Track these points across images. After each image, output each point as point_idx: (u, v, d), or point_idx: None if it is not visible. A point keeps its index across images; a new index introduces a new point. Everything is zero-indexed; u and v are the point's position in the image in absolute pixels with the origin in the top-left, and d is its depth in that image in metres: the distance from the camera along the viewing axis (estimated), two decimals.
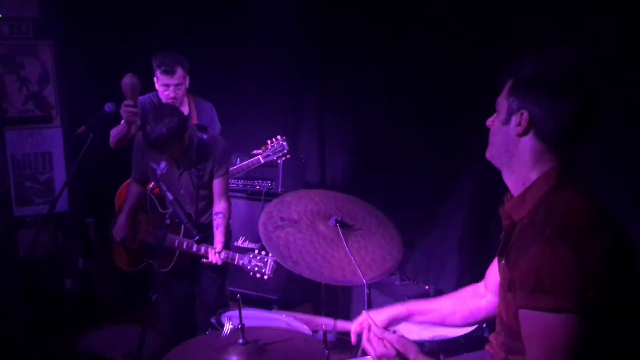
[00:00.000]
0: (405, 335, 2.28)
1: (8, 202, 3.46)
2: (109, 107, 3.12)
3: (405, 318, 2.10)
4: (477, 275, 3.52)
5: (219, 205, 3.26)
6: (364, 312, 2.15)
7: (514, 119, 1.59)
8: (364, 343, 1.81)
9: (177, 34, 4.62)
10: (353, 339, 2.16)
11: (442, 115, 3.68)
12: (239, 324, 1.72)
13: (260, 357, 1.73)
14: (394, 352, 1.70)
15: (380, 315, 2.08)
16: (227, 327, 1.79)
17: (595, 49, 2.63)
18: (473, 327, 2.29)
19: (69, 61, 4.73)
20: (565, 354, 1.41)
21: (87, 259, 4.76)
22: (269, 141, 3.97)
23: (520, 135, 1.59)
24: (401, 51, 3.91)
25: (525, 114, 1.56)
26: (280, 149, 3.92)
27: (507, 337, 1.67)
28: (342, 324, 2.22)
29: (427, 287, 3.56)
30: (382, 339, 1.76)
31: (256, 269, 2.98)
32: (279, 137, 3.93)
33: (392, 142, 4.11)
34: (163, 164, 3.33)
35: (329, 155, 4.66)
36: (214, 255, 2.96)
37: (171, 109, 3.16)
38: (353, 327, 2.15)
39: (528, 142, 1.58)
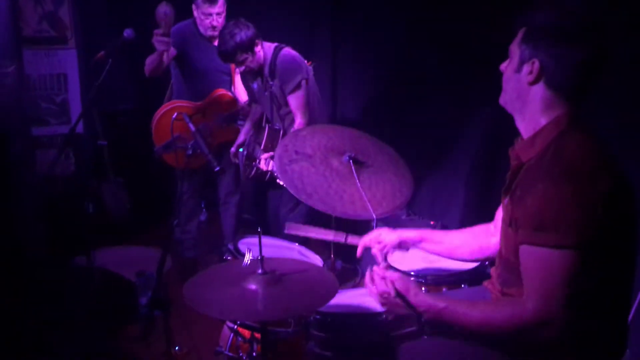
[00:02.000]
0: (411, 266, 2.43)
1: (26, 121, 3.53)
2: (127, 33, 3.13)
3: (416, 242, 2.20)
4: (481, 213, 3.65)
5: (295, 123, 3.49)
6: (376, 229, 2.25)
7: (526, 68, 1.64)
8: (367, 280, 1.87)
9: None
10: (359, 251, 2.26)
11: (455, 56, 3.66)
12: (258, 256, 1.82)
13: (278, 286, 1.83)
14: (393, 291, 1.76)
15: (392, 235, 2.19)
16: (248, 257, 1.89)
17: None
18: (477, 264, 2.39)
19: None
20: (563, 288, 1.51)
21: (101, 181, 4.87)
22: None
23: (532, 83, 1.64)
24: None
25: (537, 63, 1.62)
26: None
27: (504, 271, 1.78)
28: (352, 239, 2.32)
29: (432, 222, 3.67)
30: (383, 278, 1.81)
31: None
32: (305, 62, 3.80)
33: (404, 81, 4.11)
34: (255, 84, 3.64)
35: (341, 92, 4.67)
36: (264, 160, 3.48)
37: (240, 23, 3.41)
38: (363, 240, 2.25)
39: (539, 90, 1.64)
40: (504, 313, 1.60)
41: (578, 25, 1.59)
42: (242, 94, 4.05)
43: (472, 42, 3.47)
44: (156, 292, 2.34)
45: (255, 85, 3.72)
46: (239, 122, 4.04)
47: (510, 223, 1.68)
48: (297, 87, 3.50)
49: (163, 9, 3.41)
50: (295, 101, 3.51)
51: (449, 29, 3.66)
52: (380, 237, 2.21)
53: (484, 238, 2.10)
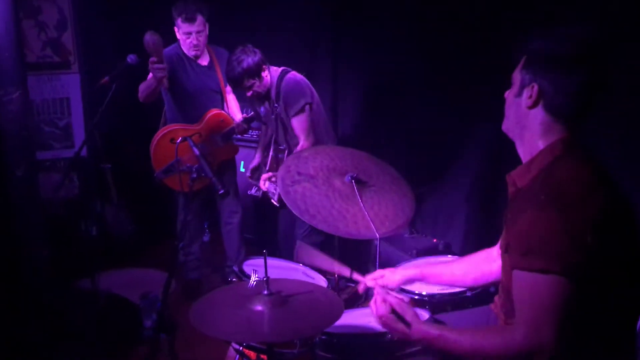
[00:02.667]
0: (416, 288, 2.44)
1: (31, 146, 3.57)
2: (131, 58, 3.19)
3: (418, 280, 2.25)
4: (483, 232, 3.66)
5: (298, 146, 3.57)
6: (378, 270, 2.29)
7: (526, 92, 1.68)
8: (370, 302, 1.91)
9: None
10: (361, 289, 2.30)
11: (458, 74, 3.69)
12: (264, 277, 1.83)
13: (283, 307, 1.84)
14: (392, 315, 1.79)
15: (396, 275, 2.23)
16: (254, 278, 1.90)
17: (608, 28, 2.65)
18: None
19: (86, 7, 4.74)
20: (551, 313, 1.50)
21: (104, 203, 4.89)
22: None
23: (531, 107, 1.67)
24: (419, 7, 3.90)
25: (536, 87, 1.65)
26: None
27: (506, 300, 1.77)
28: (357, 276, 2.37)
29: (434, 240, 3.68)
30: (384, 301, 1.84)
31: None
32: (310, 86, 3.87)
33: (406, 98, 4.13)
34: (263, 107, 3.75)
35: (342, 108, 4.70)
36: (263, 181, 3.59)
37: (247, 50, 3.51)
38: (365, 280, 2.30)
39: (538, 114, 1.67)
40: (495, 341, 1.60)
41: (575, 51, 1.62)
42: (235, 112, 4.09)
43: (474, 59, 3.50)
44: (161, 315, 2.35)
45: (262, 109, 3.78)
46: (237, 138, 4.09)
47: (505, 249, 1.69)
48: (301, 110, 3.56)
49: (149, 38, 3.47)
50: (298, 124, 3.57)
51: (452, 45, 3.70)
52: (383, 280, 2.25)
53: (485, 264, 2.12)
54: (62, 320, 3.47)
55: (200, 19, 3.71)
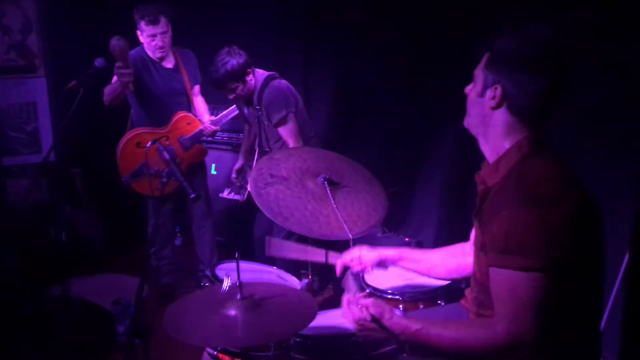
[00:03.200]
0: (388, 284, 2.46)
1: None
2: (99, 62, 3.15)
3: (395, 261, 2.24)
4: (455, 230, 3.71)
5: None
6: (356, 247, 2.27)
7: (489, 93, 1.69)
8: (343, 309, 1.89)
9: None
10: (338, 270, 2.29)
11: (427, 74, 3.73)
12: (237, 281, 1.83)
13: (257, 311, 1.84)
14: (369, 317, 1.78)
15: (372, 253, 2.23)
16: (226, 283, 1.90)
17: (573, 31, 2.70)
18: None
19: (51, 10, 4.67)
20: (531, 308, 1.53)
21: (74, 209, 4.82)
22: None
23: (494, 108, 1.69)
24: (386, 11, 3.92)
25: (499, 89, 1.66)
26: None
27: (479, 293, 1.80)
28: (332, 258, 2.35)
29: (407, 239, 3.71)
30: (358, 304, 1.83)
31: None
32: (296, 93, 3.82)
33: (377, 99, 4.16)
34: (246, 108, 3.74)
35: (313, 109, 4.70)
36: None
37: (233, 52, 3.47)
38: (342, 259, 2.28)
39: (501, 115, 1.69)
40: (476, 335, 1.63)
41: (539, 53, 1.64)
42: (203, 113, 4.07)
43: (443, 58, 3.54)
44: (135, 321, 2.32)
45: (246, 110, 3.77)
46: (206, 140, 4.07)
47: (481, 247, 1.71)
48: (283, 120, 3.53)
49: (115, 42, 3.43)
50: (284, 132, 3.56)
51: (421, 45, 3.73)
52: (360, 256, 2.24)
53: (461, 257, 2.13)
54: (33, 328, 3.40)
55: (163, 20, 3.68)
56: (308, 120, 3.83)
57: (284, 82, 3.65)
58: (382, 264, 2.26)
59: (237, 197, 4.42)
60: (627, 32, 2.58)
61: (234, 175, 4.03)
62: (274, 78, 3.63)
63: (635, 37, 2.56)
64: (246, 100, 3.67)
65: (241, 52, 3.50)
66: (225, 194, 4.23)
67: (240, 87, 3.52)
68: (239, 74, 3.47)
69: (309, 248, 2.43)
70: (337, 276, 2.32)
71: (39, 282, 3.86)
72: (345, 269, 2.30)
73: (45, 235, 4.64)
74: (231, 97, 3.60)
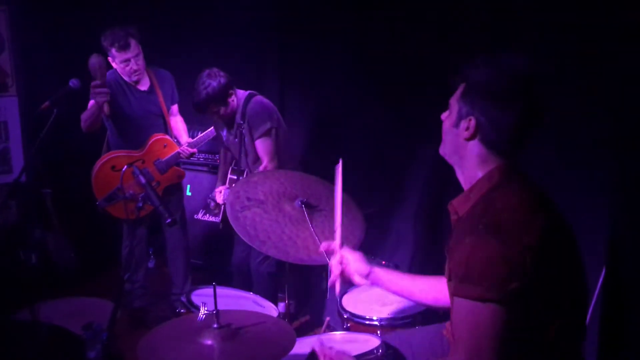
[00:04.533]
0: (366, 311, 2.44)
1: None
2: (73, 82, 3.10)
3: (381, 279, 2.15)
4: (431, 253, 3.70)
5: (261, 167, 3.52)
6: (356, 252, 2.21)
7: (463, 124, 1.69)
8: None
9: (137, 4, 4.57)
10: (322, 247, 2.24)
11: (404, 97, 3.75)
12: (213, 309, 1.79)
13: (234, 340, 1.81)
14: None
15: (364, 266, 2.15)
16: (202, 311, 1.86)
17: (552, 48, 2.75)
18: None
19: (25, 29, 4.61)
20: (489, 339, 1.52)
21: (45, 230, 4.72)
22: None
23: (468, 139, 1.69)
24: (364, 31, 3.95)
25: (473, 121, 1.67)
26: None
27: (453, 324, 1.76)
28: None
29: (383, 262, 3.70)
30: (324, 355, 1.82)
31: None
32: (277, 111, 3.79)
33: (353, 120, 4.18)
34: (225, 131, 3.70)
35: (291, 131, 4.69)
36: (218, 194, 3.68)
37: (213, 74, 3.44)
38: (335, 246, 2.22)
39: (475, 146, 1.69)
40: None
41: (511, 86, 1.64)
42: (182, 134, 4.03)
43: (421, 81, 3.56)
44: (108, 347, 2.26)
45: (224, 133, 3.71)
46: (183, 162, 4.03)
47: (448, 277, 1.70)
48: (266, 134, 3.52)
49: (95, 60, 3.41)
50: (262, 146, 3.53)
51: (399, 68, 3.75)
52: (349, 261, 2.17)
53: (442, 289, 2.11)
54: (0, 353, 3.30)
55: (133, 42, 3.64)
56: (290, 141, 3.83)
57: (266, 99, 3.67)
58: (366, 277, 2.17)
59: (212, 218, 4.38)
60: (601, 48, 2.63)
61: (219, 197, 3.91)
62: (255, 95, 3.64)
63: (605, 54, 2.61)
64: (227, 122, 3.64)
65: (222, 73, 3.49)
66: (200, 215, 4.18)
67: (223, 109, 3.51)
68: (221, 96, 3.46)
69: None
70: (320, 251, 2.24)
71: (6, 305, 3.76)
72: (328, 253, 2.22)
73: (14, 258, 4.54)
74: (214, 119, 3.61)
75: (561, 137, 2.77)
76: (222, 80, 3.45)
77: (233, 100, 3.55)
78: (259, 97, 3.63)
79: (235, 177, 3.73)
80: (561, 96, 2.64)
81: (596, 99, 2.67)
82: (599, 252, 2.62)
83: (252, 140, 3.57)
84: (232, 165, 3.78)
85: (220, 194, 3.76)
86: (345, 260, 2.17)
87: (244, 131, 3.58)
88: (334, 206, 2.60)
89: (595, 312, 2.63)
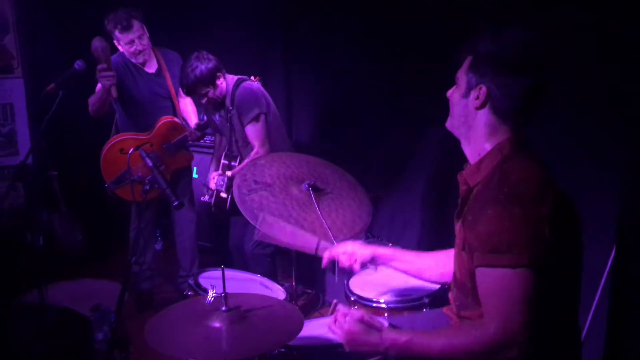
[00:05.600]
0: (373, 292, 2.44)
1: None
2: (78, 64, 3.09)
3: (387, 260, 2.20)
4: (438, 234, 3.70)
5: (252, 152, 3.52)
6: (349, 242, 2.23)
7: (473, 93, 1.72)
8: (330, 324, 1.89)
9: None
10: (324, 262, 2.23)
11: (410, 78, 3.72)
12: (222, 292, 1.79)
13: (242, 323, 1.81)
14: (361, 327, 1.78)
15: (366, 250, 2.19)
16: (211, 294, 1.86)
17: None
18: (438, 286, 2.41)
19: (30, 10, 4.59)
20: (522, 305, 1.55)
21: (51, 212, 4.73)
22: None
23: (478, 108, 1.72)
24: (372, 13, 3.91)
25: (484, 89, 1.70)
26: None
27: (459, 294, 1.82)
28: (323, 248, 2.29)
29: (390, 244, 3.69)
30: (346, 316, 1.82)
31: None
32: (252, 77, 3.79)
33: (360, 103, 4.15)
34: (218, 115, 3.69)
35: (296, 114, 4.68)
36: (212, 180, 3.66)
37: (202, 56, 3.44)
38: (332, 251, 2.22)
39: (484, 115, 1.72)
40: (467, 338, 1.63)
41: (522, 55, 1.68)
42: (191, 116, 4.02)
43: (426, 63, 3.53)
44: (115, 331, 2.27)
45: (217, 117, 3.72)
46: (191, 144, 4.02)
47: (463, 247, 1.73)
48: (255, 119, 3.51)
49: (98, 44, 3.40)
50: (252, 133, 3.53)
51: (404, 50, 3.72)
52: (352, 252, 2.19)
53: (448, 264, 2.12)
54: (8, 337, 3.33)
55: (136, 24, 3.62)
56: (282, 125, 3.81)
57: (255, 84, 3.65)
58: (373, 261, 2.20)
59: (210, 200, 4.36)
60: (612, 32, 2.60)
61: (206, 198, 3.91)
62: (244, 80, 3.63)
63: (619, 39, 2.58)
64: (217, 105, 3.64)
65: (210, 56, 3.49)
66: (206, 197, 4.16)
67: (211, 91, 3.50)
68: (209, 79, 3.46)
69: (301, 233, 2.36)
70: (322, 267, 2.25)
71: (14, 287, 3.78)
72: (332, 262, 2.24)
73: (21, 240, 4.56)
74: (203, 101, 3.58)
75: (571, 116, 2.75)
76: (210, 62, 3.45)
77: (222, 83, 3.54)
78: (247, 83, 3.61)
79: (227, 162, 3.72)
80: (572, 75, 2.63)
81: (608, 78, 2.64)
82: (609, 231, 2.61)
83: (242, 127, 3.56)
84: (225, 150, 3.77)
85: (213, 180, 3.76)
86: (350, 250, 2.18)
87: (233, 118, 3.58)
88: (340, 192, 2.60)
89: (605, 291, 2.63)
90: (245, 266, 3.65)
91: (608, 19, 2.58)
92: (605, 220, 2.61)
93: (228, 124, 3.63)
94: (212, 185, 3.70)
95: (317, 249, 2.31)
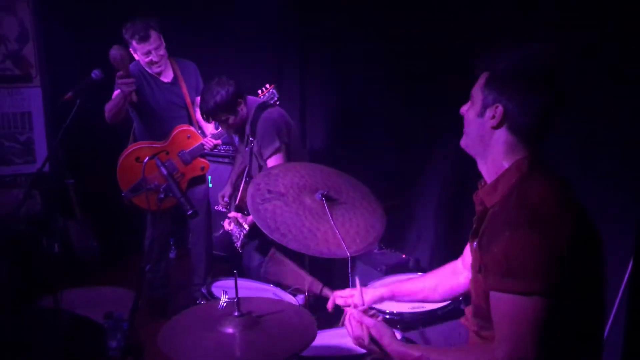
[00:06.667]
0: (387, 307, 2.43)
1: None
2: (96, 74, 3.13)
3: (390, 298, 2.21)
4: (451, 247, 3.69)
5: None
6: (349, 289, 2.24)
7: (489, 112, 1.67)
8: (346, 321, 1.90)
9: None
10: (330, 306, 2.26)
11: (425, 88, 3.72)
12: (234, 298, 1.79)
13: (255, 328, 1.80)
14: (367, 338, 1.79)
15: (367, 294, 2.18)
16: (223, 299, 1.86)
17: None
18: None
19: (48, 20, 4.66)
20: (533, 334, 1.51)
21: (67, 220, 4.77)
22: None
23: (495, 127, 1.67)
24: (387, 23, 3.92)
25: (500, 108, 1.65)
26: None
27: (476, 317, 1.77)
28: (327, 292, 2.32)
29: (404, 256, 3.68)
30: (360, 322, 1.83)
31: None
32: (267, 85, 3.75)
33: (374, 113, 4.16)
34: (237, 137, 3.63)
35: (310, 123, 4.70)
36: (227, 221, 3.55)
37: (222, 82, 3.34)
38: (335, 297, 2.24)
39: (501, 134, 1.67)
40: None
41: (539, 71, 1.63)
42: (206, 124, 4.04)
43: (442, 74, 3.53)
44: (128, 338, 2.28)
45: (237, 139, 3.69)
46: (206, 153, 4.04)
47: (479, 269, 1.68)
48: (276, 152, 3.42)
49: (116, 52, 3.42)
50: (274, 164, 3.43)
51: (420, 60, 3.72)
52: (352, 299, 2.18)
53: (453, 278, 2.11)
54: (23, 341, 3.34)
55: (153, 34, 3.65)
56: (299, 139, 3.78)
57: (276, 110, 3.53)
58: (377, 302, 2.23)
59: (223, 210, 4.37)
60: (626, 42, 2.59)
61: (226, 200, 3.92)
62: (266, 107, 3.51)
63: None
64: (237, 130, 3.58)
65: (231, 81, 3.37)
66: (220, 207, 4.18)
67: (232, 118, 3.42)
68: (230, 105, 3.36)
69: (308, 277, 2.38)
70: (329, 311, 2.27)
71: (30, 293, 3.81)
72: (337, 306, 2.25)
73: (37, 246, 4.59)
74: (223, 128, 3.53)
75: (589, 129, 2.74)
76: (231, 88, 3.34)
77: (242, 109, 3.45)
78: (268, 113, 3.47)
79: (249, 179, 3.67)
80: (589, 88, 2.61)
81: (626, 92, 2.63)
82: (627, 244, 2.59)
83: (262, 157, 3.49)
84: (245, 175, 3.71)
85: (222, 199, 3.78)
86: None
87: (254, 148, 3.51)
88: (354, 202, 2.60)
89: (622, 305, 2.60)
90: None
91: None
92: (623, 231, 2.58)
93: (247, 149, 3.56)
94: (227, 227, 3.60)
95: (321, 291, 2.34)
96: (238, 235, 3.50)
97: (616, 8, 2.63)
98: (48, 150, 4.62)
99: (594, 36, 2.67)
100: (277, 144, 3.41)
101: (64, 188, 4.69)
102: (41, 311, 3.71)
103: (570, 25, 2.77)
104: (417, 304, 2.43)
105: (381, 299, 2.22)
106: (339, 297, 2.25)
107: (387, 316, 2.39)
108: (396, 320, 2.37)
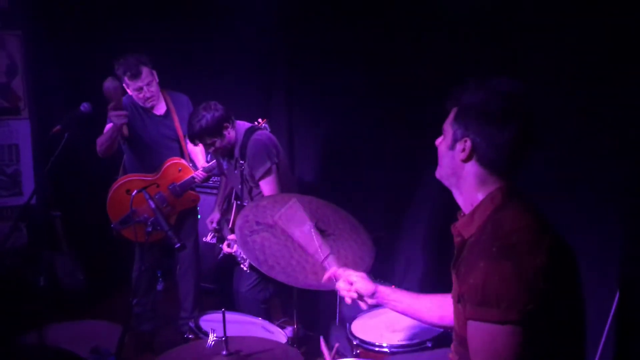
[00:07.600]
0: (374, 337, 2.41)
1: None
2: (84, 106, 3.14)
3: (386, 297, 2.15)
4: (439, 277, 3.67)
5: None
6: (356, 272, 2.19)
7: (459, 146, 1.71)
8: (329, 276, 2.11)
9: (148, 28, 4.62)
10: (325, 277, 2.23)
11: (413, 120, 3.75)
12: (222, 336, 1.78)
13: None
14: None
15: (369, 285, 2.14)
16: (212, 338, 1.84)
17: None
18: (440, 330, 2.39)
19: (38, 53, 4.68)
20: None
21: (54, 252, 4.73)
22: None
23: (465, 161, 1.71)
24: (372, 53, 3.96)
25: (468, 142, 1.68)
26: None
27: (459, 345, 1.79)
28: (329, 263, 2.27)
29: (393, 286, 3.66)
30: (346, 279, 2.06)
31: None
32: (260, 120, 3.75)
33: (361, 143, 4.17)
34: (225, 162, 3.65)
35: (298, 153, 4.71)
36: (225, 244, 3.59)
37: (209, 107, 3.38)
38: (335, 272, 2.21)
39: (472, 167, 1.70)
40: None
41: (505, 107, 1.65)
42: (199, 157, 4.04)
43: (429, 106, 3.54)
44: None
45: (225, 163, 3.71)
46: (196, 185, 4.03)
47: (458, 299, 1.70)
48: (267, 173, 3.46)
49: (110, 84, 3.44)
50: (266, 186, 3.48)
51: (407, 92, 3.75)
52: (354, 281, 2.15)
53: (444, 309, 2.10)
54: None
55: (145, 70, 3.67)
56: (289, 171, 3.80)
57: (264, 133, 3.58)
58: (374, 296, 2.16)
59: (212, 241, 4.36)
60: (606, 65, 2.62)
61: (214, 225, 3.94)
62: (255, 130, 3.55)
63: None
64: (225, 153, 3.61)
65: (218, 106, 3.41)
66: (208, 238, 4.16)
67: (218, 141, 3.44)
68: (215, 129, 3.38)
69: (316, 241, 2.31)
70: (322, 281, 2.23)
71: (14, 328, 3.75)
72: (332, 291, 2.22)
73: (23, 280, 4.54)
74: (210, 151, 3.54)
75: (568, 154, 2.76)
76: (217, 113, 3.37)
77: (229, 133, 3.47)
78: (257, 135, 3.51)
79: (240, 203, 3.71)
80: (570, 109, 2.64)
81: (604, 111, 2.65)
82: (612, 276, 2.59)
83: (254, 179, 3.52)
84: (234, 198, 3.74)
85: (210, 224, 3.78)
86: (351, 279, 2.15)
87: (244, 171, 3.54)
88: (342, 234, 2.60)
89: (609, 338, 2.60)
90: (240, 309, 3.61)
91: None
92: (608, 265, 2.59)
93: (237, 172, 3.59)
94: (230, 250, 3.63)
95: (324, 260, 2.29)
96: (245, 257, 3.48)
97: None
98: (35, 183, 4.59)
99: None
100: (267, 164, 3.44)
101: (50, 221, 4.66)
102: (25, 347, 3.66)
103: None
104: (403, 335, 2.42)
105: (379, 293, 2.15)
106: (342, 275, 2.18)
107: (376, 348, 2.38)
108: (385, 352, 2.35)
